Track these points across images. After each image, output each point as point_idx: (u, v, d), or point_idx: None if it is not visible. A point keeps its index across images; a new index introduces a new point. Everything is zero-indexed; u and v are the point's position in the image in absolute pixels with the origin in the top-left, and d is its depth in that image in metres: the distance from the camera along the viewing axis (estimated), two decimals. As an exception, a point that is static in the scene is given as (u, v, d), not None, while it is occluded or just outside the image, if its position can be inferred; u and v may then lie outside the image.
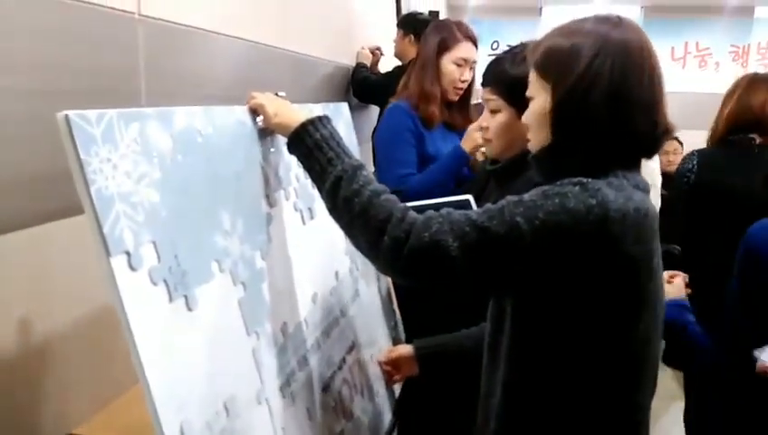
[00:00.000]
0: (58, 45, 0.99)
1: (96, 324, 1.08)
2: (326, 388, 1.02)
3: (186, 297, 0.69)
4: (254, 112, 0.95)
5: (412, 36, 2.65)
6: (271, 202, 0.96)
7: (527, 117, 0.90)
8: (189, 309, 0.70)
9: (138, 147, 0.66)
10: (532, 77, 0.87)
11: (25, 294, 0.94)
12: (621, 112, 0.81)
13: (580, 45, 0.82)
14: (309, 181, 1.10)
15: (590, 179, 0.79)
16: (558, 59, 0.83)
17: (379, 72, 2.82)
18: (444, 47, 1.78)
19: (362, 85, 2.68)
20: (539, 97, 0.86)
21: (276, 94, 1.00)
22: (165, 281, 0.66)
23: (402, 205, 0.83)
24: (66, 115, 0.57)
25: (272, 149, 0.99)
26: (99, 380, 1.09)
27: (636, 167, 0.87)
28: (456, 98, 1.84)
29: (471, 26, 1.86)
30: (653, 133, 0.84)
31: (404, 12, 3.49)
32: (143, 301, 0.63)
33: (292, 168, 1.06)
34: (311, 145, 0.89)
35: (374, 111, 2.86)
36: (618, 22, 0.85)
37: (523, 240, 0.76)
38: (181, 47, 1.41)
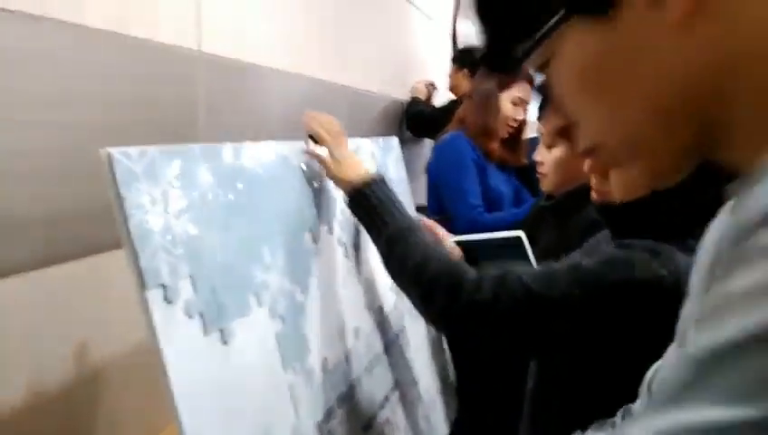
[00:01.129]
0: (120, 82, 1.04)
1: (150, 352, 1.10)
2: (367, 427, 0.99)
3: (221, 331, 0.69)
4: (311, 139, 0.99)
5: (466, 70, 2.67)
6: (314, 236, 0.96)
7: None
8: (224, 343, 0.70)
9: (179, 182, 0.68)
10: None
11: (83, 321, 0.98)
12: None
13: None
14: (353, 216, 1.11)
15: (665, 245, 0.73)
16: None
17: (433, 106, 2.83)
18: (503, 85, 1.79)
19: (416, 119, 2.70)
20: None
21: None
22: (201, 314, 0.67)
23: (453, 264, 0.83)
24: (109, 153, 0.60)
25: (315, 184, 0.99)
26: (152, 408, 1.10)
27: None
28: (506, 135, 1.83)
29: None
30: None
31: (460, 47, 3.51)
32: (178, 334, 0.63)
33: (337, 202, 1.06)
34: (367, 206, 0.93)
35: (427, 145, 2.87)
36: None
37: (577, 310, 0.72)
38: (240, 83, 1.46)
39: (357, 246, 1.10)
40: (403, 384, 1.17)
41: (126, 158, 0.61)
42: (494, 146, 1.80)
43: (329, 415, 0.88)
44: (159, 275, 0.62)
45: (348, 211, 1.10)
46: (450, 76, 2.80)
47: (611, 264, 0.73)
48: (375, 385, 1.05)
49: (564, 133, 1.22)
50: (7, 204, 0.82)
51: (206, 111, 1.31)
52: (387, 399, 1.09)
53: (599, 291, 0.71)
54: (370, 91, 2.32)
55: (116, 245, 0.90)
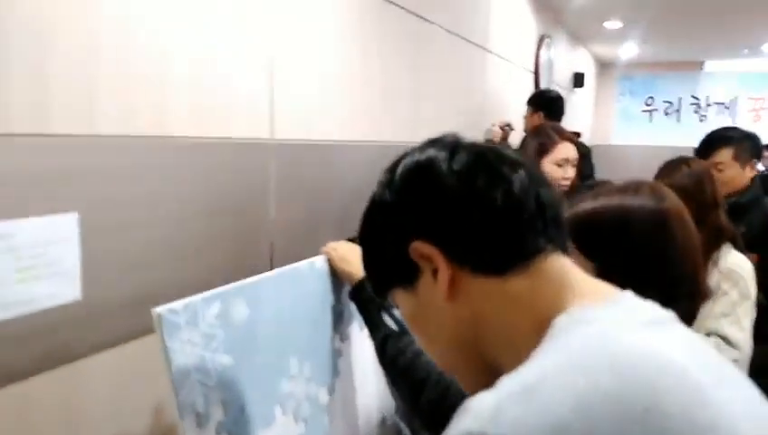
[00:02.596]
0: (199, 179, 1.21)
1: None
2: (387, 506, 1.12)
3: (246, 443, 0.85)
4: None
5: (541, 113, 2.71)
6: (343, 337, 1.10)
7: None
8: (248, 452, 0.86)
9: (216, 321, 0.85)
10: None
11: (111, 410, 1.02)
12: None
13: None
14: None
15: None
16: None
17: (508, 147, 2.88)
18: (543, 150, 1.87)
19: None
20: None
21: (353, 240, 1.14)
22: (228, 432, 0.83)
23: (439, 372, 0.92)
24: (159, 313, 0.77)
25: (346, 287, 1.13)
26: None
27: None
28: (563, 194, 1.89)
29: (565, 128, 1.94)
30: None
31: (542, 87, 3.52)
32: (207, 451, 0.80)
33: (372, 297, 1.19)
34: (365, 299, 1.03)
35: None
36: None
37: None
38: (310, 160, 1.59)
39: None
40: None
41: (171, 313, 0.79)
42: None
43: (346, 501, 1.02)
44: (194, 406, 0.79)
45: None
46: (526, 118, 2.84)
47: None
48: (398, 467, 1.18)
49: None
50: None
51: (276, 189, 1.47)
52: (411, 476, 1.21)
53: None
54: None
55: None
